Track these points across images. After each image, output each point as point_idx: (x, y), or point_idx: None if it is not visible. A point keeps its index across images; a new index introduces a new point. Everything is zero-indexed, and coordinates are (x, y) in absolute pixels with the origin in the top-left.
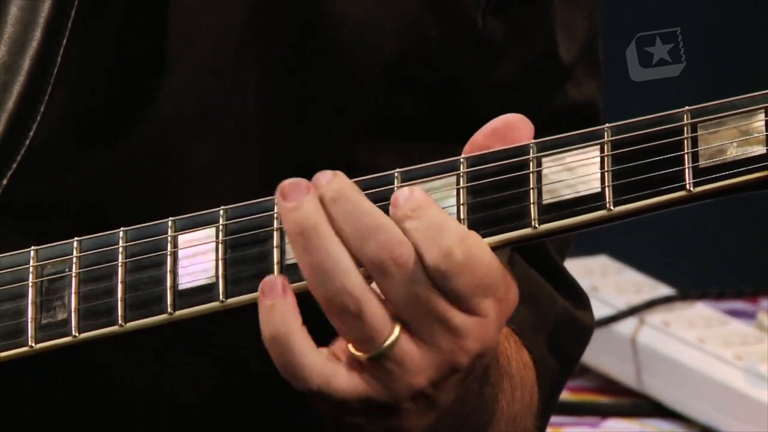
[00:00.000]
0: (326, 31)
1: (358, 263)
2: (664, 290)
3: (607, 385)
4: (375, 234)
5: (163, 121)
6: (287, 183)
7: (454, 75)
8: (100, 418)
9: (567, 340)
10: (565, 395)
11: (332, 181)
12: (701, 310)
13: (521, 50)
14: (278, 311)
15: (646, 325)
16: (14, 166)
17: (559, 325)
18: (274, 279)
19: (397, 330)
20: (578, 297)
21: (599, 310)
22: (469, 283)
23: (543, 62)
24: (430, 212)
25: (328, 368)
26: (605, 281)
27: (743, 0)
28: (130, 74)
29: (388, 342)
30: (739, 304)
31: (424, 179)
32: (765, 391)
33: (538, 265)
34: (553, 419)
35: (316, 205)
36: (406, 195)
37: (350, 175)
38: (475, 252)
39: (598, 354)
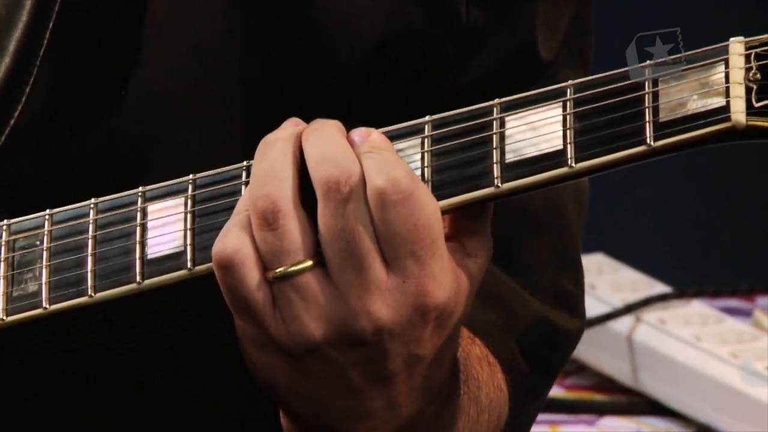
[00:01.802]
0: (311, 17)
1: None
2: (660, 288)
3: (604, 383)
4: (336, 160)
5: (147, 103)
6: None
7: (434, 63)
8: (49, 393)
9: (542, 344)
10: (561, 393)
11: (321, 121)
12: (697, 307)
13: (500, 42)
14: None
15: (642, 323)
16: None
17: (532, 328)
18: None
19: (309, 262)
20: (564, 302)
21: (595, 308)
22: (404, 221)
23: (521, 56)
24: (390, 153)
25: (244, 250)
26: (601, 279)
27: (743, 0)
28: (115, 57)
29: (296, 267)
30: (735, 302)
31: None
32: (761, 388)
33: (522, 266)
34: (550, 417)
35: (292, 132)
36: (366, 134)
37: None
38: (421, 198)
39: (594, 352)
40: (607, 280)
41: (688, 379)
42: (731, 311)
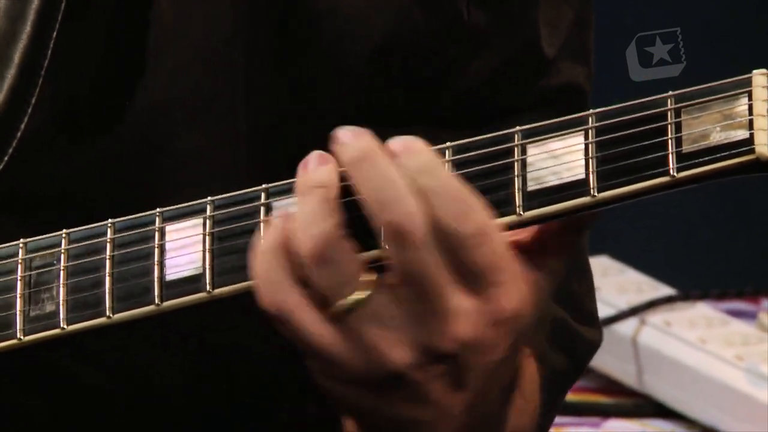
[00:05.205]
0: (314, 20)
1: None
2: (665, 290)
3: (609, 385)
4: (395, 201)
5: (152, 109)
6: (313, 155)
7: (438, 64)
8: (68, 409)
9: (563, 345)
10: (566, 395)
11: (358, 138)
12: (702, 310)
13: (503, 41)
14: (268, 229)
15: (647, 325)
16: (6, 158)
17: (554, 330)
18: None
19: (368, 292)
20: (584, 315)
21: (600, 311)
22: (482, 258)
23: (525, 54)
24: (447, 177)
25: (293, 299)
26: (606, 281)
27: (743, 0)
28: (120, 64)
29: (360, 296)
30: (740, 305)
31: None
32: (766, 391)
33: None
34: (555, 419)
35: (327, 171)
36: (416, 150)
37: None
38: (493, 232)
39: (599, 354)
40: (612, 283)
41: (693, 382)
42: (736, 313)
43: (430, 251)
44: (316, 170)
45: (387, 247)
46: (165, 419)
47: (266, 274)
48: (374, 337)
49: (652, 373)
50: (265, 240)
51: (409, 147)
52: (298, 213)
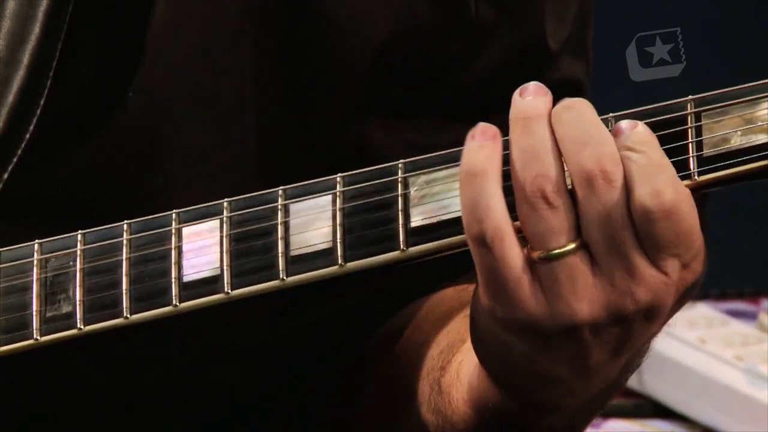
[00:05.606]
0: (321, 14)
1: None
2: None
3: None
4: (596, 145)
5: (152, 105)
6: (531, 84)
7: (444, 58)
8: (71, 403)
9: None
10: None
11: (573, 99)
12: (702, 310)
13: (510, 36)
14: (485, 150)
15: None
16: (15, 160)
17: None
18: (487, 126)
19: (573, 245)
20: None
21: None
22: (667, 234)
23: (531, 48)
24: (654, 151)
25: (506, 225)
26: None
27: (743, 0)
28: (120, 63)
29: (565, 248)
30: (740, 305)
31: (430, 169)
32: (766, 391)
33: None
34: None
35: (545, 102)
36: (631, 126)
37: (340, 153)
38: (684, 207)
39: None
40: None
41: (693, 382)
42: (736, 314)
43: (620, 204)
44: (539, 98)
45: (579, 192)
46: (165, 419)
47: (478, 198)
48: (567, 289)
49: (652, 374)
50: (478, 162)
51: (625, 125)
52: (516, 144)
